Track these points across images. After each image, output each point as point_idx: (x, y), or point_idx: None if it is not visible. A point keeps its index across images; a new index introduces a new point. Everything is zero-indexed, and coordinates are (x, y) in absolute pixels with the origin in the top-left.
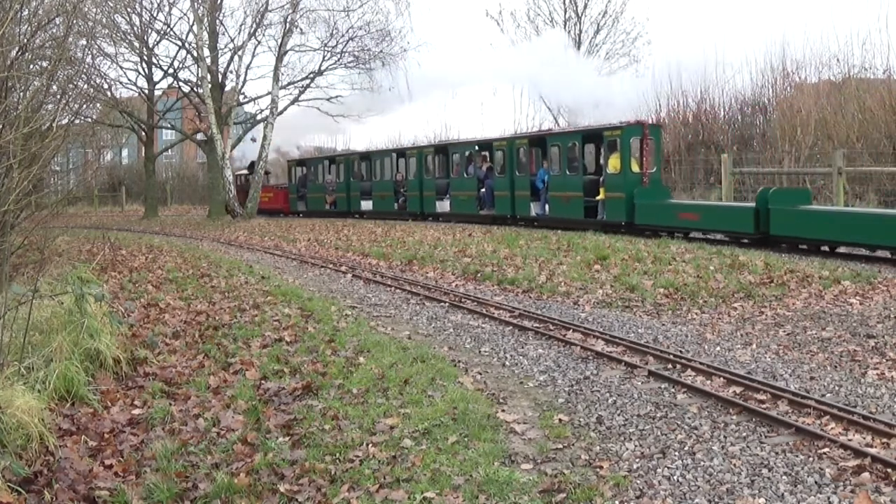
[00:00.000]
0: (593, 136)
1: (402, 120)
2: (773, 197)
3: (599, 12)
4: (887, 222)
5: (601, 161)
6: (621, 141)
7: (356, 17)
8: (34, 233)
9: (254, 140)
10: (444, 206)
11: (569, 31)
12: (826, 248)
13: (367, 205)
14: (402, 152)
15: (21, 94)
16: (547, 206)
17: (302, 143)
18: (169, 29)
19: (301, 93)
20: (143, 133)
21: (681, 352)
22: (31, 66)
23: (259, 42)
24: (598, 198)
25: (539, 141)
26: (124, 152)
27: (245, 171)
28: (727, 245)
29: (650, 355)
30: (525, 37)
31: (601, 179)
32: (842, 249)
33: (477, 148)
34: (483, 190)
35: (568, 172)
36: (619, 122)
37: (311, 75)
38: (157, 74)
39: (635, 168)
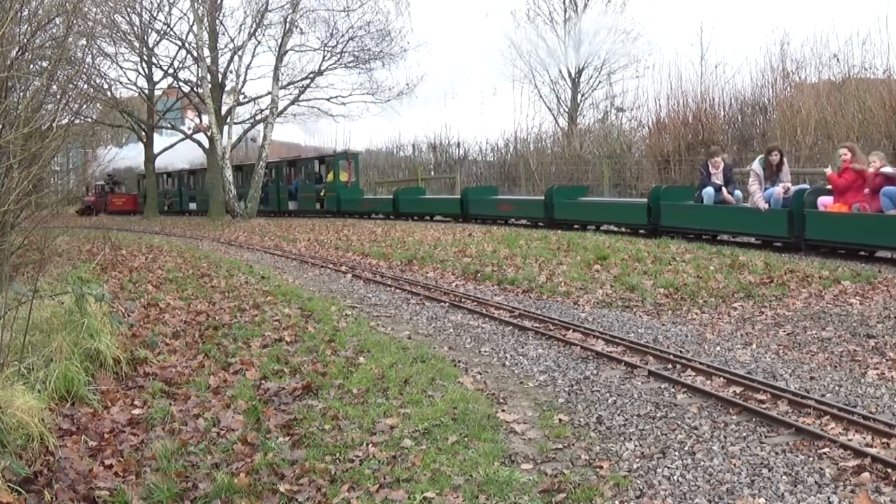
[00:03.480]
0: (322, 159)
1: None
2: (556, 192)
3: (599, 12)
4: (625, 208)
5: (324, 174)
6: (335, 163)
7: (356, 17)
8: (34, 233)
9: (253, 140)
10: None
11: (568, 31)
12: (592, 228)
13: (194, 205)
14: (238, 167)
15: (21, 94)
16: (296, 203)
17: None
18: (169, 29)
19: (301, 93)
20: (143, 133)
21: (681, 352)
22: (31, 66)
23: (259, 42)
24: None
25: (292, 163)
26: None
27: (102, 182)
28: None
29: (650, 355)
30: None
31: (323, 186)
32: (609, 227)
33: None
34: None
35: (307, 182)
36: (333, 151)
37: (311, 75)
38: (157, 74)
39: (343, 178)
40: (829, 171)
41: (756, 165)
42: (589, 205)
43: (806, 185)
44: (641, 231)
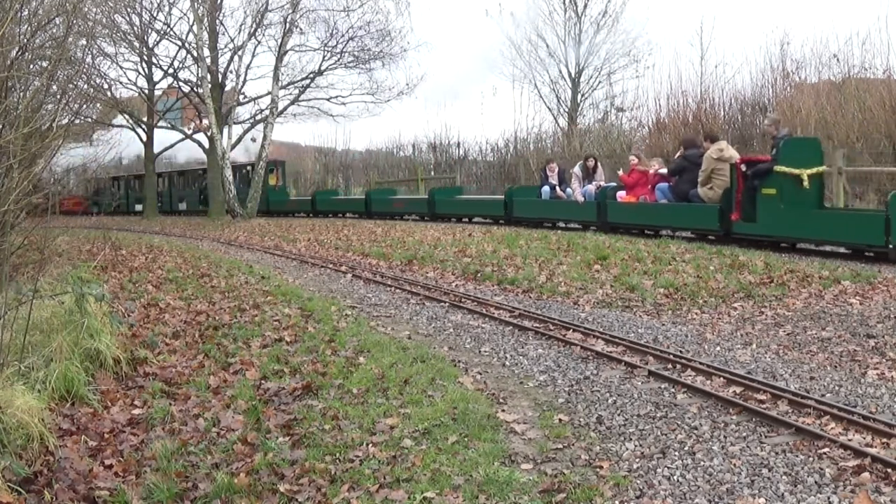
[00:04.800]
0: (253, 166)
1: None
2: (437, 192)
3: (599, 12)
4: (488, 203)
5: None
6: (265, 168)
7: (356, 17)
8: (34, 233)
9: (254, 140)
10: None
11: (568, 31)
12: (466, 220)
13: (139, 206)
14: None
15: (21, 94)
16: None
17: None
18: (169, 29)
19: (301, 93)
20: (144, 133)
21: (681, 352)
22: (31, 66)
23: (259, 42)
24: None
25: (206, 171)
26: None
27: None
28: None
29: (650, 355)
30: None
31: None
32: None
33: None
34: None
35: (241, 185)
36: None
37: (311, 75)
38: (157, 74)
39: (272, 182)
40: (621, 172)
41: (577, 169)
42: (462, 201)
43: (613, 184)
44: (501, 220)
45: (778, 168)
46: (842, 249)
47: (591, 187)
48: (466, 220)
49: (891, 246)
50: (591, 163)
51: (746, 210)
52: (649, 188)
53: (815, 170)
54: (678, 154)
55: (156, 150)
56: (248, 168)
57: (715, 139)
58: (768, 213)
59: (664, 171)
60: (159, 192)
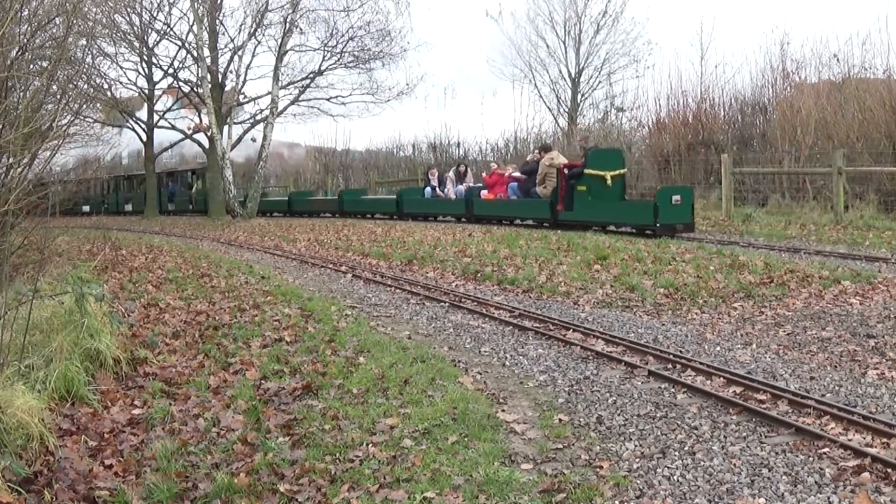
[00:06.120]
0: (194, 171)
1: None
2: (346, 193)
3: (599, 12)
4: (385, 202)
5: (194, 183)
6: (202, 174)
7: (356, 17)
8: (34, 233)
9: (254, 140)
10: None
11: (568, 31)
12: (369, 215)
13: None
14: (171, 172)
15: (21, 94)
16: (174, 204)
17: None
18: (169, 29)
19: (301, 93)
20: (144, 133)
21: (681, 352)
22: (31, 66)
23: (259, 42)
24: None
25: (171, 174)
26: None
27: None
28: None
29: (650, 355)
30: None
31: (193, 191)
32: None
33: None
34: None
35: (182, 188)
36: (200, 165)
37: (311, 75)
38: (157, 74)
39: (202, 186)
40: (484, 175)
41: (451, 174)
42: (366, 200)
43: (480, 185)
44: (395, 216)
45: (587, 171)
46: (629, 228)
47: (462, 188)
48: (369, 216)
49: (658, 225)
50: (462, 168)
51: (567, 203)
52: (505, 187)
53: (617, 172)
54: (529, 157)
55: (155, 150)
56: (189, 173)
57: (548, 149)
58: (582, 205)
59: (517, 174)
60: (131, 195)
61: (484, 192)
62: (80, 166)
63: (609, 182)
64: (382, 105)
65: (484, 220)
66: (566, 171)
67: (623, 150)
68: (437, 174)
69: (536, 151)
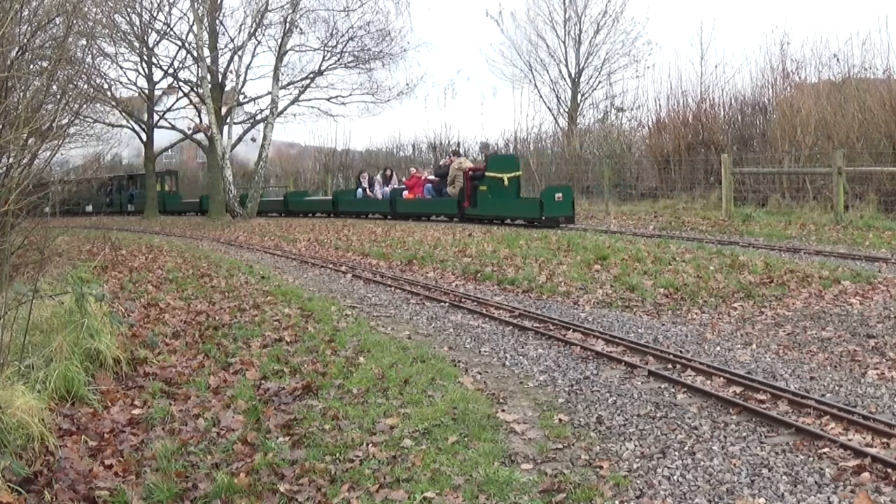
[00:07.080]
0: (160, 174)
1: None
2: (291, 195)
3: (599, 12)
4: (322, 202)
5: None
6: (162, 177)
7: (356, 17)
8: (34, 233)
9: (254, 140)
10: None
11: (568, 31)
12: (310, 214)
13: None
14: (132, 175)
15: (21, 94)
16: (133, 205)
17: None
18: (169, 29)
19: (301, 93)
20: (144, 133)
21: (681, 352)
22: (31, 66)
23: (259, 42)
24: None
25: (131, 176)
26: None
27: None
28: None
29: (650, 355)
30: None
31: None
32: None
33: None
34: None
35: (141, 191)
36: (164, 169)
37: (311, 75)
38: (157, 74)
39: (167, 188)
40: (404, 178)
41: (378, 177)
42: (307, 201)
43: (403, 186)
44: (331, 213)
45: (487, 174)
46: (522, 221)
47: (388, 189)
48: (311, 214)
49: (543, 217)
50: (388, 172)
51: (472, 200)
52: (422, 188)
53: (512, 174)
54: (442, 162)
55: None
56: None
57: (458, 155)
58: (483, 202)
59: (432, 176)
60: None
61: (405, 193)
62: (82, 166)
63: (506, 183)
64: (382, 105)
65: (405, 216)
66: (471, 173)
67: (517, 155)
68: (367, 177)
69: (448, 157)
